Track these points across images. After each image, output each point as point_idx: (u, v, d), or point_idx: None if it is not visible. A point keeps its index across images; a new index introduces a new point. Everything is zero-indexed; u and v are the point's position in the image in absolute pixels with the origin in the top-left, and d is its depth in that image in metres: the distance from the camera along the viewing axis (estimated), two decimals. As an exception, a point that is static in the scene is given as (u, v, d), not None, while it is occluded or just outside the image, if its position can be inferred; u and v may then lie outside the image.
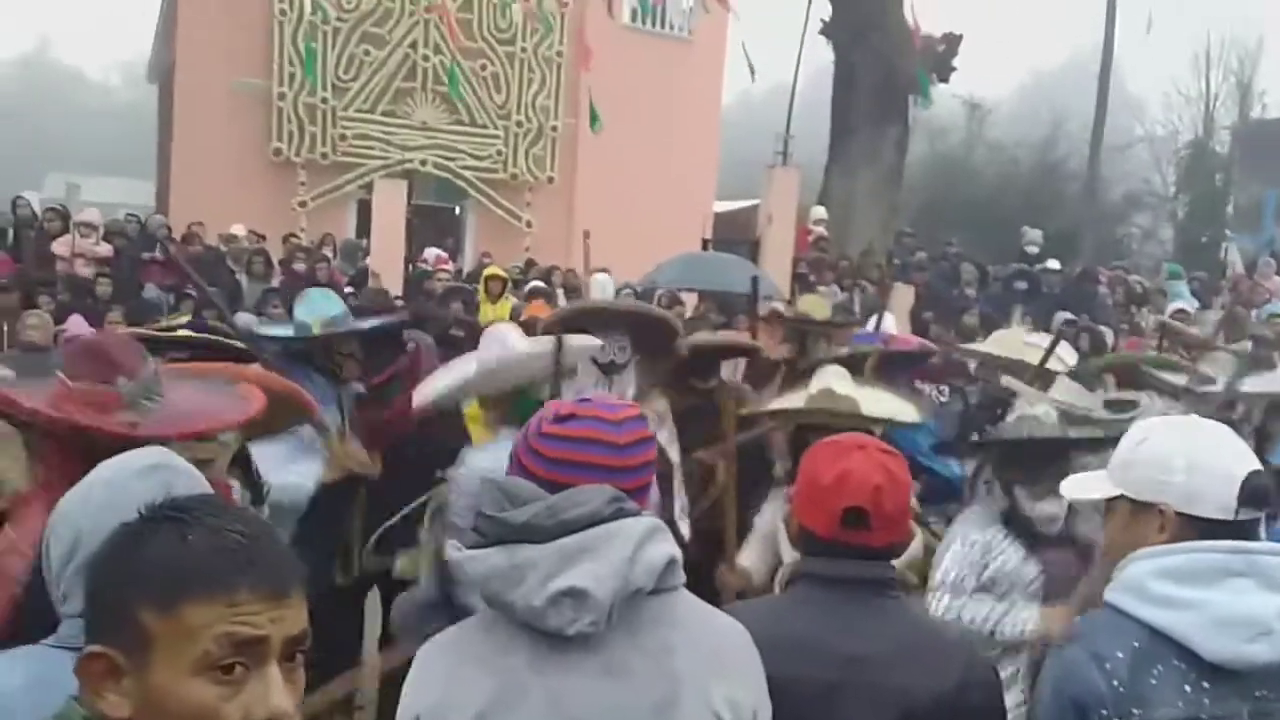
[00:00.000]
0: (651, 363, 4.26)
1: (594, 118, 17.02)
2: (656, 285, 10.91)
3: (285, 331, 4.12)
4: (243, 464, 2.88)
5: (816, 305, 7.93)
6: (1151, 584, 1.85)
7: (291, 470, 3.52)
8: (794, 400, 3.76)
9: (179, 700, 1.16)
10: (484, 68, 18.24)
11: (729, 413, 3.71)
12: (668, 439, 4.17)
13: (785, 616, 2.04)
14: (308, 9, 17.11)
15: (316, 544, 3.38)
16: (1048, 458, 3.16)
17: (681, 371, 4.53)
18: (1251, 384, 4.37)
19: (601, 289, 9.04)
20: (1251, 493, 1.86)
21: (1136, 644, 1.83)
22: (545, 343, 3.69)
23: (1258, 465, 1.91)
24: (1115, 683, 1.81)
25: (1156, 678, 1.81)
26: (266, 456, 3.09)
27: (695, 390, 4.59)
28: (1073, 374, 4.34)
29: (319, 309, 4.05)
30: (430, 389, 3.81)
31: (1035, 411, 3.42)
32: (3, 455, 2.72)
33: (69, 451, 2.10)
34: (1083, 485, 2.14)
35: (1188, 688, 1.80)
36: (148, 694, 1.17)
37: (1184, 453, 1.91)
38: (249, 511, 1.28)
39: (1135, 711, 1.80)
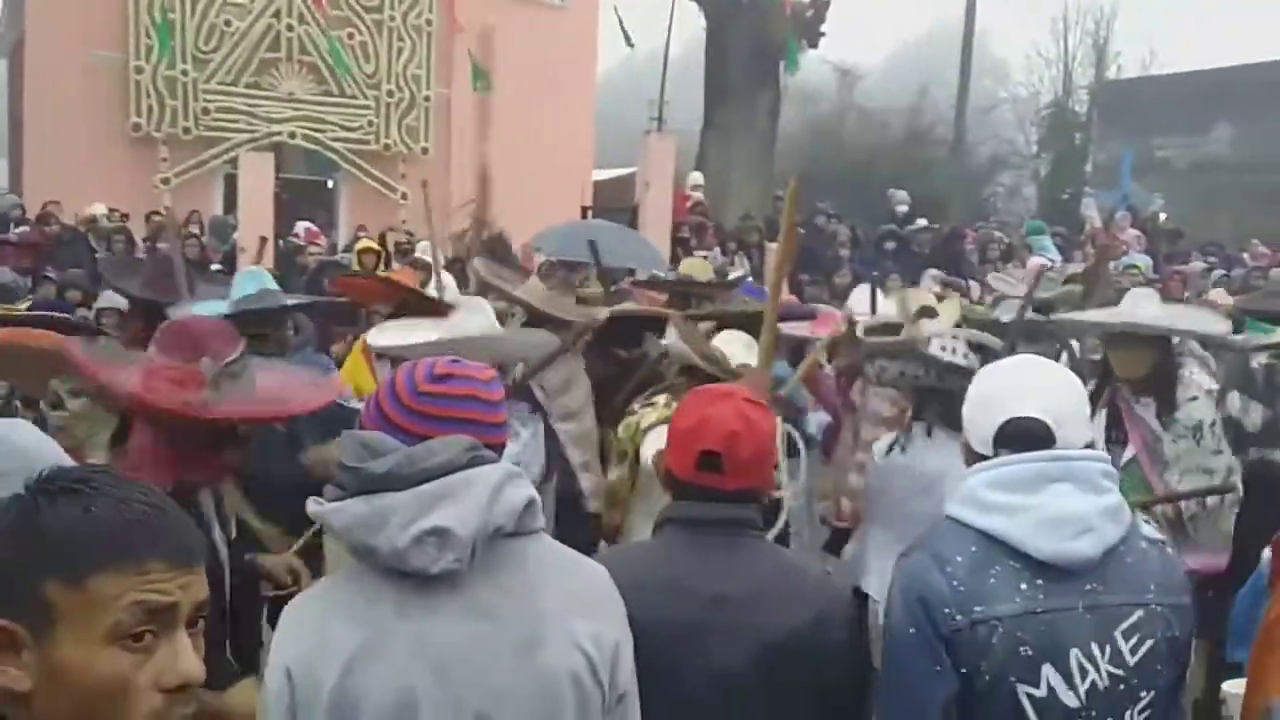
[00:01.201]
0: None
1: (477, 74, 15.61)
2: (540, 250, 10.83)
3: (219, 308, 4.02)
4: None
5: (699, 268, 7.95)
6: (982, 493, 2.01)
7: None
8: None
9: (88, 671, 1.15)
10: (351, 36, 17.84)
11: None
12: (572, 435, 4.06)
13: (651, 559, 2.11)
14: (164, -23, 16.48)
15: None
16: None
17: (603, 340, 4.44)
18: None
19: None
20: (1002, 435, 2.05)
21: (974, 549, 1.99)
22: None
23: (1036, 413, 2.03)
24: (956, 583, 1.96)
25: (995, 577, 1.96)
26: None
27: (617, 359, 4.52)
28: None
29: (249, 289, 3.97)
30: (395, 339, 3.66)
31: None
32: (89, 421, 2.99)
33: (150, 424, 2.39)
34: None
35: (1023, 585, 1.95)
36: (52, 666, 1.16)
37: (977, 392, 2.16)
38: (144, 482, 1.27)
39: (977, 609, 1.94)
